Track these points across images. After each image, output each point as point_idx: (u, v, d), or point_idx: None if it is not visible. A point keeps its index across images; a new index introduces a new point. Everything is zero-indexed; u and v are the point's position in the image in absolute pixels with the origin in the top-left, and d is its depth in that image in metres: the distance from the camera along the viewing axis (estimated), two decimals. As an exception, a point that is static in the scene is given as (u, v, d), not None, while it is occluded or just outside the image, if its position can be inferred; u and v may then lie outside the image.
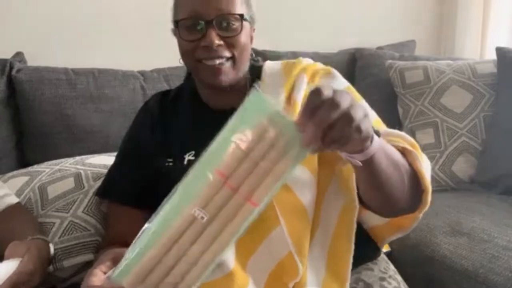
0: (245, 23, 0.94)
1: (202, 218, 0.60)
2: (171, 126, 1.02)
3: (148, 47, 1.76)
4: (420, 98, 1.76)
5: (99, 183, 1.14)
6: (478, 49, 2.20)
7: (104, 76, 1.57)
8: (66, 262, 1.05)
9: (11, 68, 1.50)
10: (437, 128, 1.70)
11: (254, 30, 1.00)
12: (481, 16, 2.17)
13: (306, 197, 0.87)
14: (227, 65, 0.93)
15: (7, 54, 1.55)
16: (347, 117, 0.59)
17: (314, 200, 0.88)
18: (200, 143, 0.97)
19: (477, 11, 2.18)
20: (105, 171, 1.12)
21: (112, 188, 1.06)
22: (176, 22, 0.94)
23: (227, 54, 0.92)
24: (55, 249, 1.02)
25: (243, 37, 0.93)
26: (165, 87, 1.64)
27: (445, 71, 1.77)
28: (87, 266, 1.05)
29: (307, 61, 1.02)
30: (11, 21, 1.61)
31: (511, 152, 1.58)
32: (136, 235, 0.64)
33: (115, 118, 1.54)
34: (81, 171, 1.23)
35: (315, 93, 0.58)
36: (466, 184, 1.64)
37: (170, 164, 0.97)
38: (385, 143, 0.77)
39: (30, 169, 1.29)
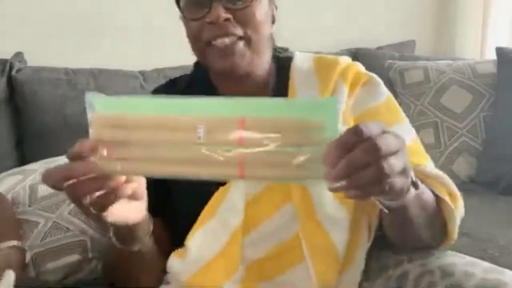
0: None
1: (199, 138, 0.52)
2: None
3: (148, 47, 1.75)
4: (420, 98, 1.76)
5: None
6: (478, 49, 2.20)
7: (104, 76, 1.57)
8: (50, 264, 1.04)
9: (11, 68, 1.50)
10: (437, 128, 1.70)
11: (276, 8, 0.84)
12: (481, 16, 2.18)
13: (339, 235, 0.77)
14: (240, 45, 0.78)
15: (7, 54, 1.55)
16: (379, 167, 0.50)
17: (347, 239, 0.78)
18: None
19: (477, 11, 2.18)
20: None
21: None
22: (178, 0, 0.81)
23: (238, 31, 0.77)
24: (38, 252, 1.02)
25: (257, 11, 0.77)
26: (165, 87, 1.63)
27: (445, 71, 1.77)
28: (78, 266, 1.05)
29: (345, 61, 0.87)
30: (11, 21, 1.61)
31: (511, 152, 1.58)
32: None
33: (115, 118, 1.54)
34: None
35: (355, 132, 0.50)
36: (466, 184, 1.64)
37: None
38: (422, 192, 0.66)
39: (24, 167, 1.28)
